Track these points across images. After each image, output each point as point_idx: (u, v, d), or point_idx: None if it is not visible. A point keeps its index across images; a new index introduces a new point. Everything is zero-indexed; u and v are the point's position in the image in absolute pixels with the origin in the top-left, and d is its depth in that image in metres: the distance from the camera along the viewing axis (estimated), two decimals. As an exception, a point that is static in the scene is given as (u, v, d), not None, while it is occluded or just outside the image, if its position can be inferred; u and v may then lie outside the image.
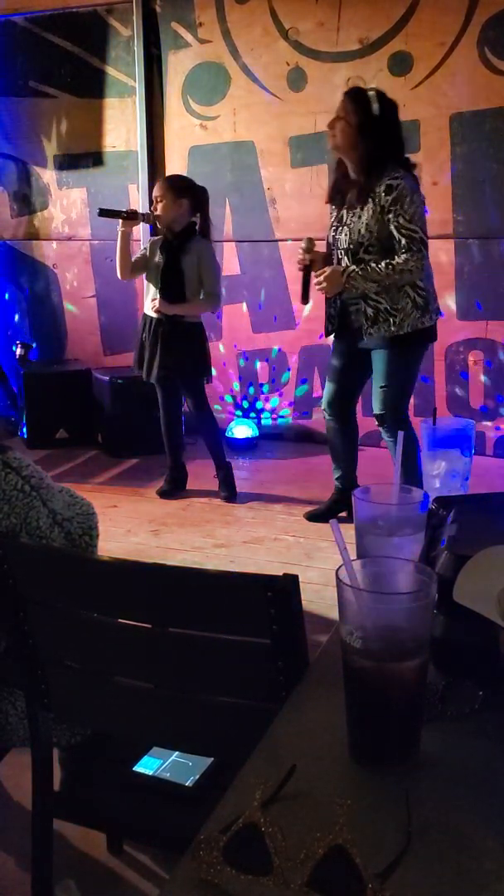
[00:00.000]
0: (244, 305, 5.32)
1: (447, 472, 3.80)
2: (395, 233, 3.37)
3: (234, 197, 5.19)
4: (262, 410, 5.46)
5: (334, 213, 3.60)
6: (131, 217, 4.04)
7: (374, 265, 3.40)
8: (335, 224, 3.58)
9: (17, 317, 6.00)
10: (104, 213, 4.13)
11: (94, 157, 5.51)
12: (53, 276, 5.80)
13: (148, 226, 4.57)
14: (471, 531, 1.10)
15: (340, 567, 0.88)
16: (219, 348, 5.33)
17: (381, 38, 4.68)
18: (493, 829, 0.78)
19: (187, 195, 3.96)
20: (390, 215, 3.35)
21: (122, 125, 5.39)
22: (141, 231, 5.00)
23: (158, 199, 3.96)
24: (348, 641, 0.86)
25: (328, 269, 3.47)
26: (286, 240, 5.12)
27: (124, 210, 4.09)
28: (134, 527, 3.97)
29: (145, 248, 4.15)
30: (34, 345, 5.84)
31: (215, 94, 5.12)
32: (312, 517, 3.97)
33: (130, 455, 5.01)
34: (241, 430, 5.26)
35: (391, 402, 3.56)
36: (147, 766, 1.55)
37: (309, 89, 4.91)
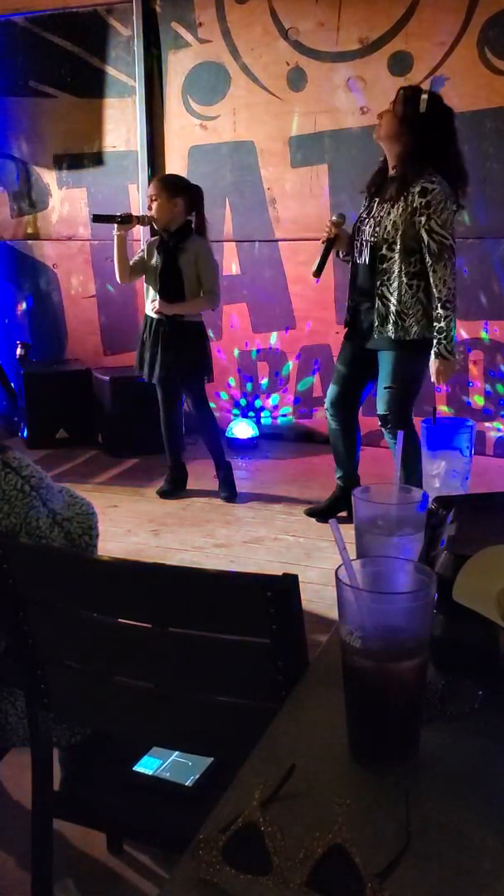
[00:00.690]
0: (244, 305, 5.32)
1: (447, 472, 3.79)
2: (425, 236, 3.35)
3: (234, 197, 5.19)
4: (262, 410, 5.46)
5: (365, 204, 3.59)
6: (126, 220, 4.03)
7: (441, 324, 3.39)
8: (363, 215, 3.56)
9: (17, 317, 6.00)
10: (98, 218, 4.13)
11: (94, 157, 5.51)
12: (53, 276, 5.80)
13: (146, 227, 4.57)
14: (471, 531, 1.10)
15: (340, 567, 0.88)
16: (218, 348, 5.33)
17: (381, 38, 4.68)
18: (493, 829, 0.78)
19: (182, 194, 3.96)
20: (422, 218, 3.33)
21: (122, 125, 5.39)
22: (141, 232, 5.00)
23: (153, 199, 3.96)
24: (348, 641, 0.86)
25: (441, 371, 3.45)
26: (286, 240, 5.12)
27: (118, 214, 4.08)
28: (134, 527, 3.97)
29: (143, 250, 4.15)
30: (33, 344, 5.84)
31: (215, 93, 5.12)
32: (312, 513, 3.98)
33: (130, 455, 5.01)
34: (241, 429, 5.26)
35: (395, 403, 3.55)
36: (147, 766, 1.56)
37: (309, 89, 4.91)
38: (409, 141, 3.37)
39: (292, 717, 0.97)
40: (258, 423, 5.40)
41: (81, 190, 5.59)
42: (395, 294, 3.44)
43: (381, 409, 3.60)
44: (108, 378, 5.06)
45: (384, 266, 3.46)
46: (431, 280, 3.39)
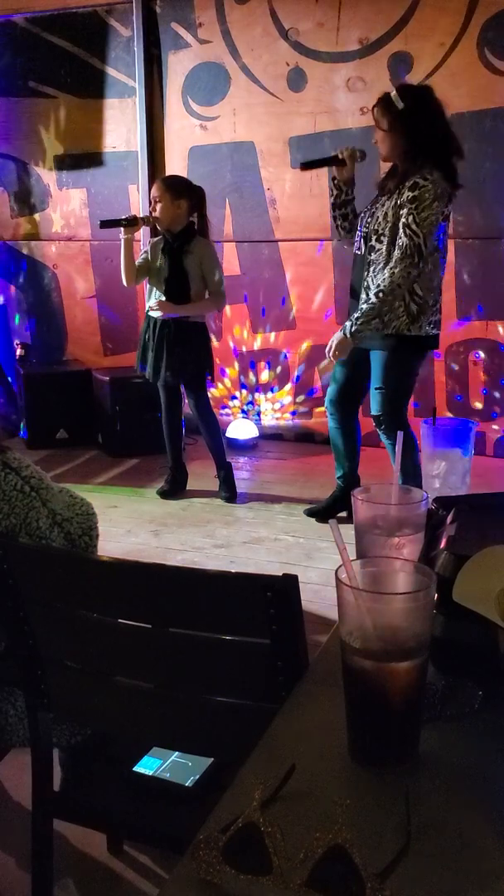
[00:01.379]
0: (244, 305, 5.32)
1: (447, 472, 3.80)
2: (400, 229, 3.35)
3: (234, 197, 5.19)
4: (262, 410, 5.46)
5: (372, 199, 3.60)
6: (132, 223, 4.02)
7: (364, 306, 3.40)
8: (368, 206, 3.59)
9: (17, 317, 6.00)
10: (105, 224, 4.12)
11: (94, 158, 5.51)
12: (53, 276, 5.81)
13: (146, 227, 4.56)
14: (471, 531, 1.10)
15: (340, 567, 0.88)
16: (218, 348, 5.33)
17: (381, 38, 4.68)
18: (493, 829, 0.78)
19: (185, 196, 3.96)
20: (404, 211, 3.33)
21: (122, 125, 5.39)
22: (142, 232, 5.00)
23: (157, 200, 3.96)
24: (348, 641, 0.86)
25: (333, 340, 3.48)
26: (286, 240, 5.12)
27: (124, 217, 4.07)
28: (134, 527, 3.97)
29: (146, 252, 4.14)
30: (33, 345, 5.85)
31: (215, 94, 5.12)
32: (312, 513, 3.98)
33: (130, 455, 5.01)
34: (241, 430, 5.26)
35: (387, 404, 3.55)
36: (147, 766, 1.55)
37: (309, 89, 4.91)
38: (402, 141, 3.38)
39: (292, 718, 0.97)
40: (258, 423, 5.40)
41: (81, 190, 5.59)
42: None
43: (374, 409, 3.60)
44: (108, 378, 5.06)
45: (373, 257, 3.47)
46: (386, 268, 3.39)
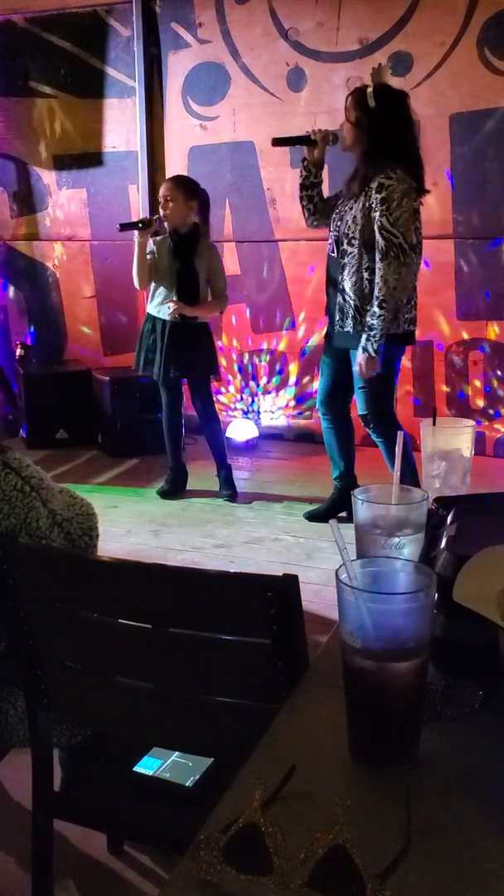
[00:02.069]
0: (244, 305, 5.32)
1: (447, 472, 3.79)
2: (376, 233, 3.37)
3: (234, 197, 5.19)
4: (262, 410, 5.46)
5: (340, 202, 3.62)
6: (147, 225, 4.01)
7: (373, 322, 3.38)
8: (337, 209, 3.61)
9: (16, 317, 6.00)
10: (124, 227, 4.13)
11: (93, 158, 5.51)
12: (53, 276, 5.80)
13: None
14: (471, 531, 1.10)
15: (340, 567, 0.88)
16: (219, 348, 5.33)
17: (380, 38, 4.68)
18: (493, 829, 0.78)
19: (197, 197, 3.99)
20: (376, 214, 3.36)
21: (122, 125, 5.39)
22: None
23: (168, 200, 3.95)
24: (348, 641, 0.86)
25: (364, 366, 3.44)
26: (286, 240, 5.12)
27: (139, 220, 4.07)
28: (134, 527, 3.97)
29: (152, 251, 4.10)
30: (33, 345, 5.84)
31: (215, 94, 5.12)
32: (312, 517, 3.98)
33: (130, 455, 5.02)
34: (241, 430, 5.26)
35: (371, 402, 3.58)
36: (147, 766, 1.55)
37: (309, 89, 4.91)
38: (367, 139, 3.40)
39: (292, 718, 0.97)
40: (258, 423, 5.40)
41: (81, 190, 5.59)
42: (355, 288, 3.46)
43: (360, 409, 3.64)
44: (107, 378, 5.06)
45: (345, 261, 3.49)
46: (375, 276, 3.39)
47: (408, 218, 3.36)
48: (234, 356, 5.43)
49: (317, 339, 5.17)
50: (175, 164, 5.28)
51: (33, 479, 1.54)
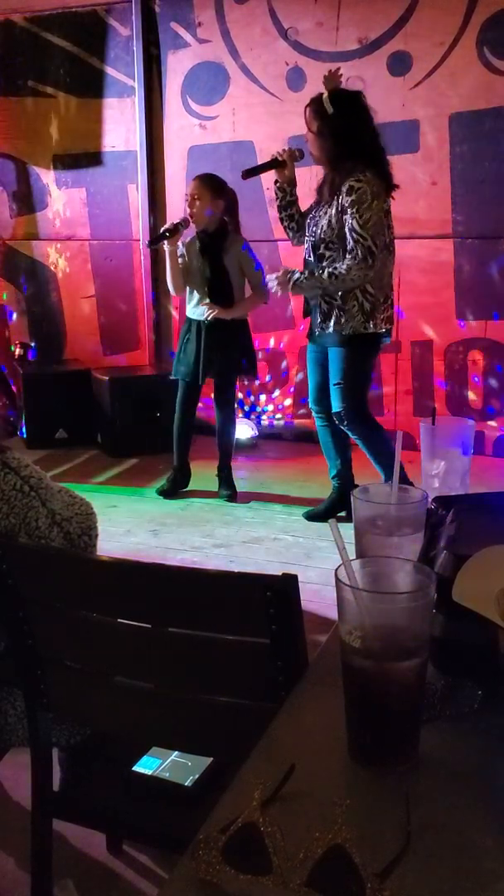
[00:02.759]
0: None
1: (447, 471, 3.79)
2: (347, 234, 3.42)
3: (234, 197, 5.18)
4: (262, 410, 5.45)
5: (314, 206, 3.66)
6: (174, 232, 3.98)
7: (318, 273, 3.46)
8: (311, 214, 3.65)
9: (16, 317, 5.99)
10: (154, 241, 4.15)
11: (93, 157, 5.51)
12: (53, 276, 5.80)
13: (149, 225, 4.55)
14: (470, 531, 1.10)
15: (340, 567, 0.88)
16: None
17: (380, 37, 4.68)
18: (493, 829, 0.78)
19: (224, 195, 3.98)
20: (346, 216, 3.40)
21: (122, 125, 5.39)
22: (140, 231, 5.00)
23: (196, 198, 3.94)
24: (348, 641, 0.86)
25: (280, 272, 3.56)
26: (286, 240, 5.11)
27: (165, 230, 4.00)
28: (133, 527, 3.97)
29: (183, 254, 4.08)
30: (33, 344, 5.84)
31: (214, 93, 5.12)
32: (311, 516, 3.98)
33: (130, 455, 5.01)
34: (241, 430, 5.25)
35: (346, 399, 3.61)
36: (147, 766, 1.55)
37: (308, 89, 4.89)
38: (329, 145, 3.45)
39: (292, 717, 0.97)
40: (258, 423, 5.40)
41: (81, 190, 5.58)
42: (335, 292, 3.49)
43: (334, 406, 3.67)
44: (107, 378, 5.06)
45: (324, 264, 3.52)
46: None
47: (377, 221, 3.41)
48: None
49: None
50: (174, 164, 5.28)
51: (32, 478, 1.54)
